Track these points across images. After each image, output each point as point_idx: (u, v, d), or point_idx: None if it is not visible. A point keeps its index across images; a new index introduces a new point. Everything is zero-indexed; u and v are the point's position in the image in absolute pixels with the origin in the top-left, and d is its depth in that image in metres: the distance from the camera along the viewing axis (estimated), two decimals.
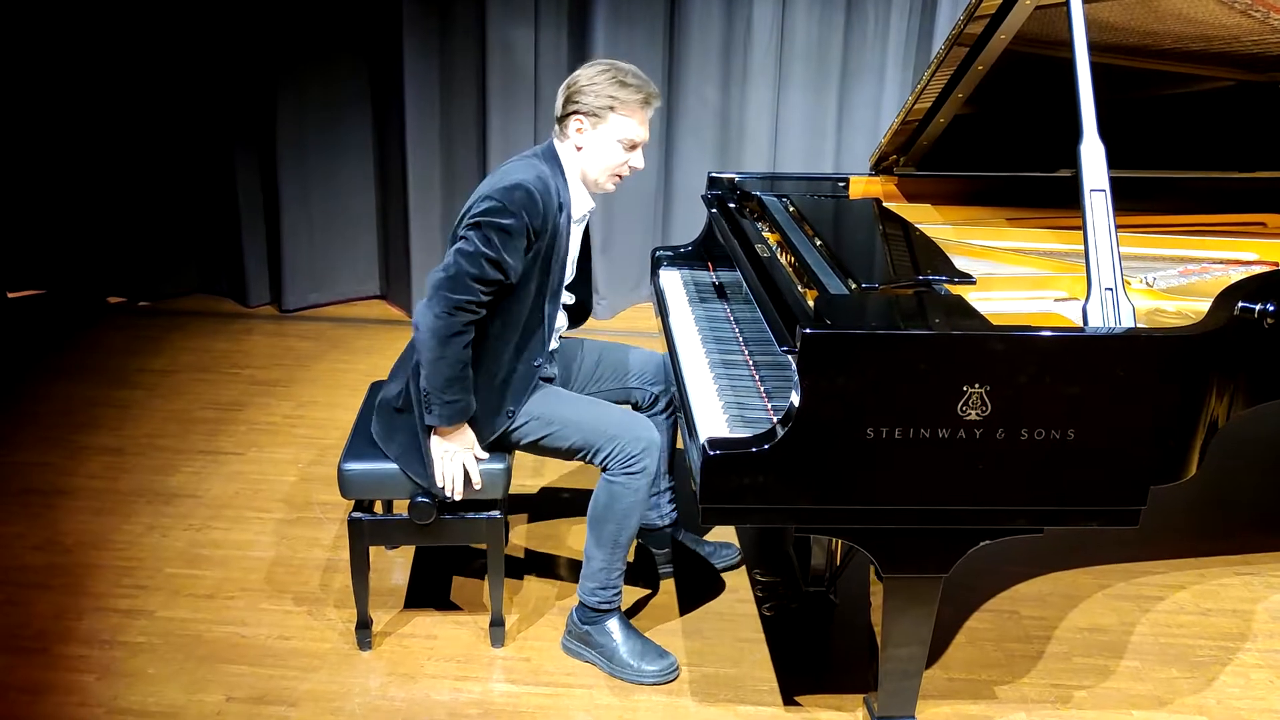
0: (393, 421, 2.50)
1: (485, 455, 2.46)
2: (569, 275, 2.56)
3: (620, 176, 2.48)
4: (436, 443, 2.41)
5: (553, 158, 2.44)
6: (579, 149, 2.42)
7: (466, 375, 2.35)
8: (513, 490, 2.82)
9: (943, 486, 2.00)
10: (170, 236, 4.95)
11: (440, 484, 2.42)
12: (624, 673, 2.49)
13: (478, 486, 2.44)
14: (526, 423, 2.47)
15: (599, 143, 2.41)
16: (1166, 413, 2.02)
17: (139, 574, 2.87)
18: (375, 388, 2.85)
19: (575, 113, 2.39)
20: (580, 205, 2.48)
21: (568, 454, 2.49)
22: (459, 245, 2.32)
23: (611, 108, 2.37)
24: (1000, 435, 1.96)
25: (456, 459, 2.41)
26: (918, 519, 2.03)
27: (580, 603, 2.55)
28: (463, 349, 2.31)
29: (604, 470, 2.45)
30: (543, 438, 2.48)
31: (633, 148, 2.43)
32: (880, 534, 2.07)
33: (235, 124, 4.73)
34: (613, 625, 2.53)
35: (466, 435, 2.43)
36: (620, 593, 2.54)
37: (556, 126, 2.46)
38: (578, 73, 2.43)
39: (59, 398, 3.95)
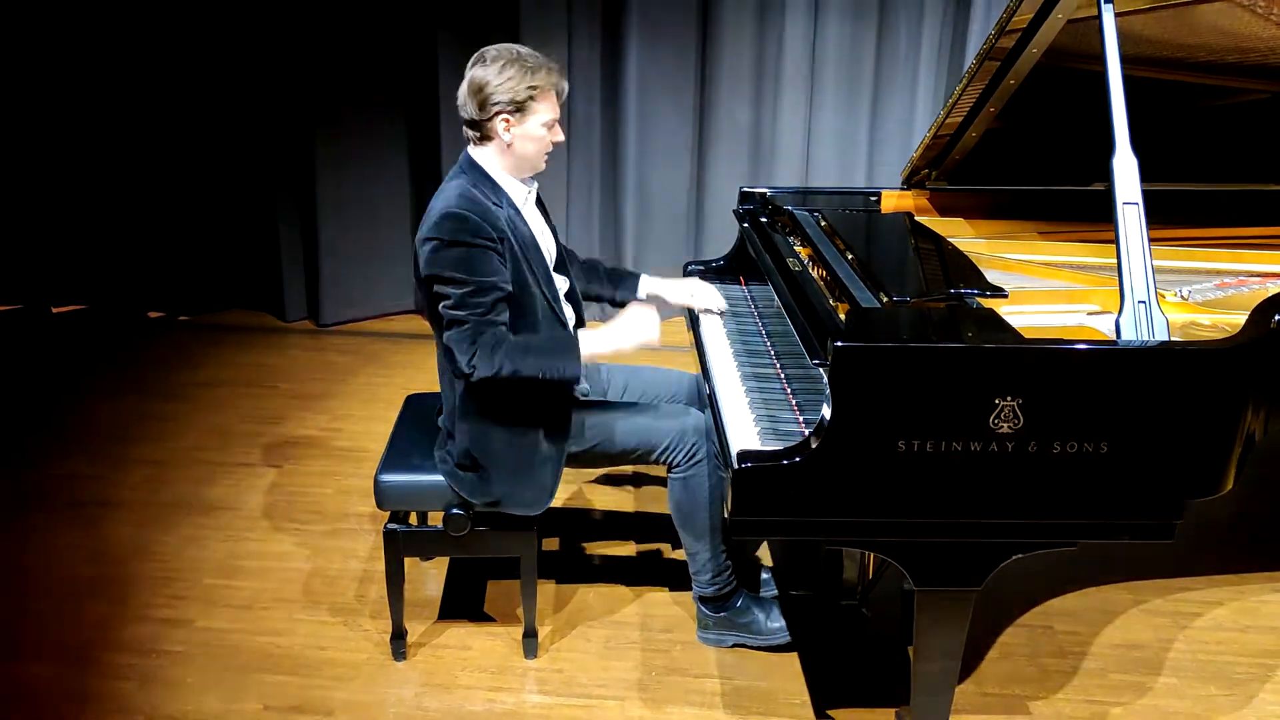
0: (444, 438, 2.55)
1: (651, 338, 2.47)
2: (551, 257, 2.53)
3: (548, 153, 2.45)
4: (621, 342, 2.43)
5: (471, 168, 2.41)
6: (510, 145, 2.39)
7: (541, 344, 2.35)
8: None
9: (975, 500, 1.99)
10: (210, 253, 5.03)
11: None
12: (773, 639, 2.62)
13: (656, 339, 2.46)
14: (577, 434, 2.50)
15: (527, 132, 2.37)
16: (1202, 426, 2.01)
17: (178, 584, 2.92)
18: (411, 401, 2.89)
19: (499, 113, 2.35)
20: (518, 193, 2.45)
21: (620, 458, 2.53)
22: (448, 310, 2.30)
23: (532, 96, 2.34)
24: (1033, 448, 1.95)
25: (643, 329, 2.44)
26: (950, 532, 2.03)
27: (701, 598, 2.61)
28: (514, 349, 2.31)
29: (670, 469, 2.50)
30: (594, 445, 2.50)
31: (553, 126, 2.41)
32: (912, 547, 2.06)
33: (274, 140, 4.80)
34: (746, 601, 2.63)
35: (620, 331, 2.43)
36: (733, 571, 2.60)
37: (472, 133, 2.41)
38: (480, 74, 2.35)
39: (102, 411, 4.02)
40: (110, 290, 5.07)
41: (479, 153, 2.43)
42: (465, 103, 2.38)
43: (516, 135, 2.38)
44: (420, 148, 4.84)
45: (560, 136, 2.46)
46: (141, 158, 4.85)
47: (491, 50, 2.38)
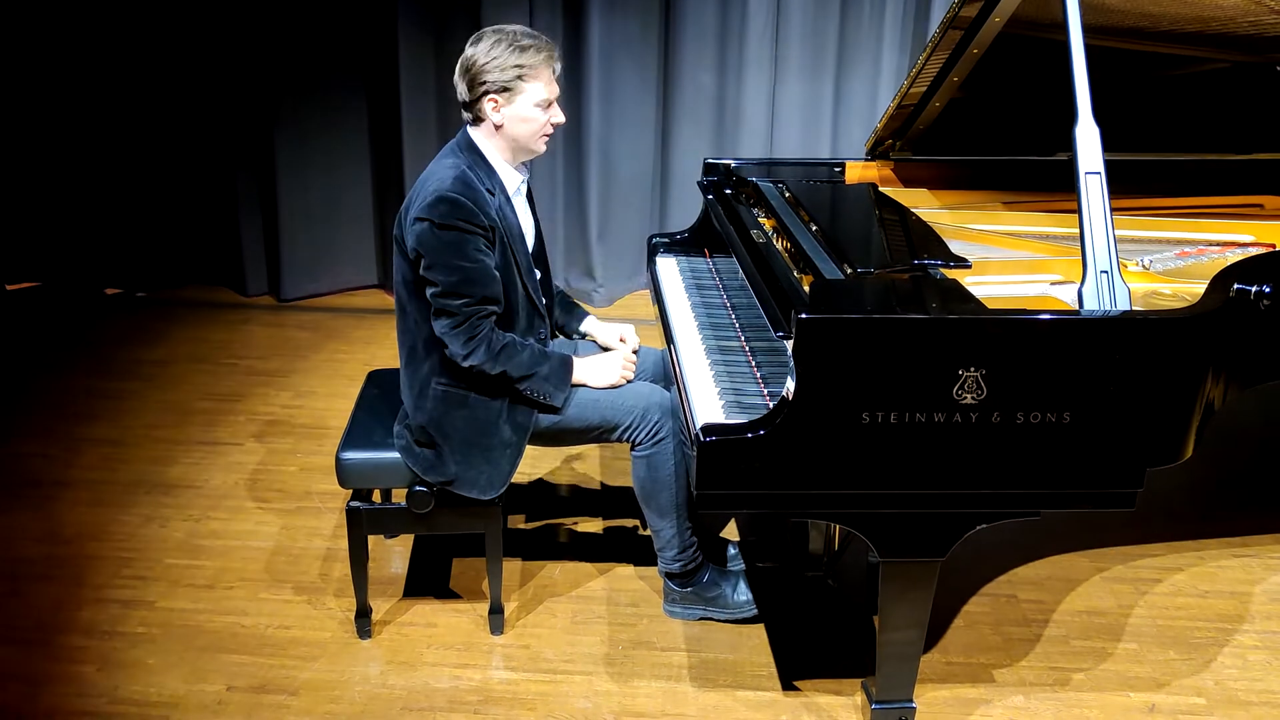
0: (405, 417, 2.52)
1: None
2: (531, 248, 2.52)
3: (547, 135, 2.42)
4: (592, 381, 2.50)
5: (469, 148, 2.40)
6: (499, 126, 2.37)
7: (530, 352, 2.39)
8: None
9: (938, 470, 2.00)
10: (167, 227, 4.94)
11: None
12: (740, 612, 2.63)
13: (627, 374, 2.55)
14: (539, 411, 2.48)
15: (518, 113, 2.35)
16: (1162, 395, 2.02)
17: (138, 565, 2.88)
18: (373, 377, 2.86)
19: (486, 93, 2.34)
20: (511, 181, 2.44)
21: (585, 434, 2.51)
22: (437, 299, 2.31)
23: (520, 76, 2.32)
24: (995, 418, 1.96)
25: (612, 374, 2.51)
26: (914, 503, 2.04)
27: (667, 574, 2.61)
28: (505, 347, 2.35)
29: (633, 446, 2.49)
30: (556, 422, 2.49)
31: (549, 106, 2.38)
32: (876, 518, 2.07)
33: (233, 114, 4.72)
34: (712, 576, 2.63)
35: (594, 371, 2.50)
36: (698, 546, 2.59)
37: (467, 113, 2.40)
38: (471, 53, 2.34)
39: (58, 390, 3.95)
40: (65, 266, 4.97)
41: (475, 133, 2.41)
42: (457, 83, 2.37)
43: (506, 117, 2.36)
44: (381, 121, 4.77)
45: (560, 117, 2.42)
46: (98, 130, 4.74)
47: (488, 30, 2.36)
